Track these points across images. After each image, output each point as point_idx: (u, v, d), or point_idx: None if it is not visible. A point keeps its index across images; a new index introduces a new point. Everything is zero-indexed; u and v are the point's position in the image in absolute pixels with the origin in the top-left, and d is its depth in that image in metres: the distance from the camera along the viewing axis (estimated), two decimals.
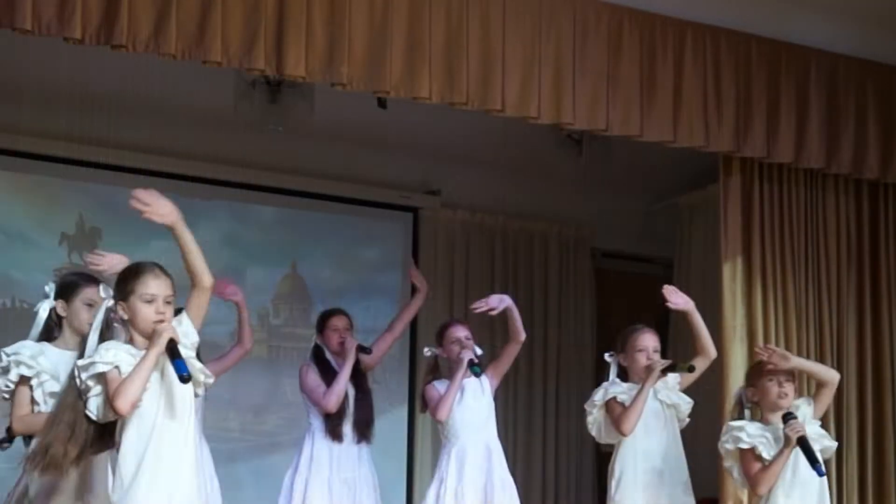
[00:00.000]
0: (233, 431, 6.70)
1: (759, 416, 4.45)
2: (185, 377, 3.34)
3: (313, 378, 5.30)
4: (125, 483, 3.30)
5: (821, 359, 5.78)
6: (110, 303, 3.50)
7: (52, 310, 3.99)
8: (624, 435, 4.67)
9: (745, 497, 5.58)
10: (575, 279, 7.91)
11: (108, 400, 3.32)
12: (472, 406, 5.17)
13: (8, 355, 3.89)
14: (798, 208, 6.00)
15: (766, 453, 4.31)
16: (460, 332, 5.26)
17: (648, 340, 4.81)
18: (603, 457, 7.41)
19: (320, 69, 4.79)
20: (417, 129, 6.82)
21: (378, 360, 5.53)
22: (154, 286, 3.47)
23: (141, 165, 6.70)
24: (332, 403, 5.20)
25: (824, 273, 6.04)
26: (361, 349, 5.37)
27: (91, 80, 6.18)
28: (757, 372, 4.52)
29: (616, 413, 4.69)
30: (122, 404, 3.28)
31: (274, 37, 4.70)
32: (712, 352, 4.88)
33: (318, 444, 5.28)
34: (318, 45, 4.77)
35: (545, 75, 5.21)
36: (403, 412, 7.26)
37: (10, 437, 3.89)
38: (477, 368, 5.14)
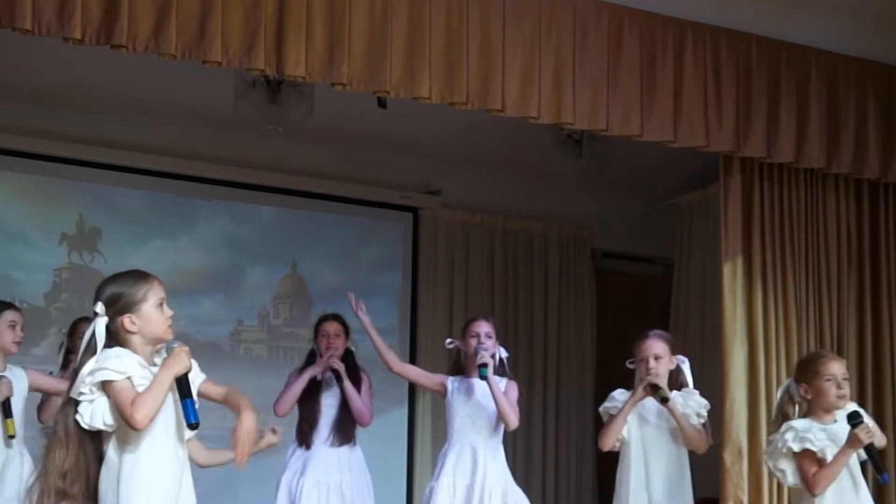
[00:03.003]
0: None
1: (805, 412, 4.29)
2: (193, 425, 3.21)
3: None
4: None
5: None
6: (105, 319, 3.23)
7: None
8: (602, 449, 4.76)
9: (745, 497, 5.58)
10: (575, 279, 7.91)
11: (119, 410, 3.14)
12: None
13: None
14: (798, 208, 6.00)
15: (831, 457, 4.16)
16: (480, 328, 5.07)
17: (649, 349, 4.72)
18: (602, 458, 7.42)
19: (320, 69, 4.79)
20: (417, 129, 6.82)
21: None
22: (163, 291, 3.32)
23: (141, 165, 6.72)
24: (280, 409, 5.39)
25: (824, 273, 6.03)
26: (336, 375, 5.46)
27: (91, 80, 6.19)
28: (812, 371, 4.30)
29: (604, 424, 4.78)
30: (143, 418, 3.12)
31: (274, 37, 4.69)
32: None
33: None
34: (318, 45, 4.77)
35: (545, 75, 5.20)
36: (403, 412, 7.26)
37: None
38: (484, 371, 4.95)
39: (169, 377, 3.21)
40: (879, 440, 4.25)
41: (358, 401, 5.44)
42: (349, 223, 7.27)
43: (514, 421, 4.97)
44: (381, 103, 6.11)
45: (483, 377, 4.95)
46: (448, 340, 5.28)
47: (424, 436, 7.27)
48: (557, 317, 7.79)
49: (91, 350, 3.21)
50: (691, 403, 4.73)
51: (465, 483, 4.97)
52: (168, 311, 3.31)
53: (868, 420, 4.23)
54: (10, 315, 4.71)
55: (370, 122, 6.55)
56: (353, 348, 5.59)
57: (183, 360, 3.24)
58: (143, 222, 6.74)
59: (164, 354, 3.30)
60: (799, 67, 5.83)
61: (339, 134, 6.92)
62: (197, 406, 3.25)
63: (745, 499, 5.57)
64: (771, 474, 5.49)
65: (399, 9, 4.94)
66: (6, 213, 6.47)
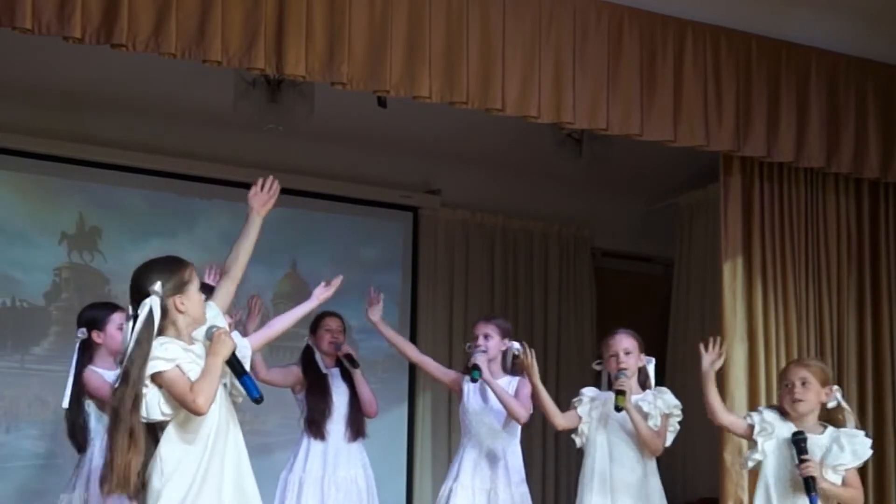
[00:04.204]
0: None
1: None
2: (257, 399, 3.37)
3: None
4: (191, 487, 3.25)
5: (821, 358, 5.78)
6: (160, 299, 3.34)
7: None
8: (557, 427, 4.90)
9: (745, 496, 5.58)
10: (575, 279, 7.91)
11: (178, 399, 3.25)
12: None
13: None
14: (798, 208, 6.00)
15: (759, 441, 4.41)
16: (478, 330, 5.14)
17: (618, 343, 4.72)
18: None
19: (320, 69, 4.79)
20: (417, 129, 6.82)
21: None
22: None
23: (141, 165, 6.72)
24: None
25: (824, 272, 6.03)
26: (350, 360, 5.45)
27: (91, 80, 6.19)
28: (780, 378, 4.46)
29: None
30: (205, 402, 3.23)
31: (274, 36, 4.69)
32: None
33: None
34: (318, 45, 4.77)
35: (545, 75, 5.21)
36: (403, 411, 7.27)
37: None
38: (475, 374, 4.99)
39: (219, 363, 3.33)
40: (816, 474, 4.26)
41: (367, 389, 5.52)
42: (349, 223, 7.27)
43: (522, 414, 5.00)
44: (381, 103, 6.11)
45: (474, 380, 5.00)
46: (467, 345, 5.33)
47: (424, 435, 7.27)
48: (557, 316, 7.79)
49: (149, 330, 3.28)
50: (659, 404, 4.70)
51: (485, 487, 5.01)
52: (201, 295, 3.45)
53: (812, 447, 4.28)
54: (118, 317, 4.59)
55: (370, 121, 6.55)
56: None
57: (227, 343, 3.36)
58: (143, 222, 6.74)
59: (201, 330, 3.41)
60: (799, 67, 5.83)
61: (339, 134, 6.92)
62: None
63: (745, 498, 5.57)
64: None
65: (399, 8, 4.94)
66: (6, 213, 6.47)
